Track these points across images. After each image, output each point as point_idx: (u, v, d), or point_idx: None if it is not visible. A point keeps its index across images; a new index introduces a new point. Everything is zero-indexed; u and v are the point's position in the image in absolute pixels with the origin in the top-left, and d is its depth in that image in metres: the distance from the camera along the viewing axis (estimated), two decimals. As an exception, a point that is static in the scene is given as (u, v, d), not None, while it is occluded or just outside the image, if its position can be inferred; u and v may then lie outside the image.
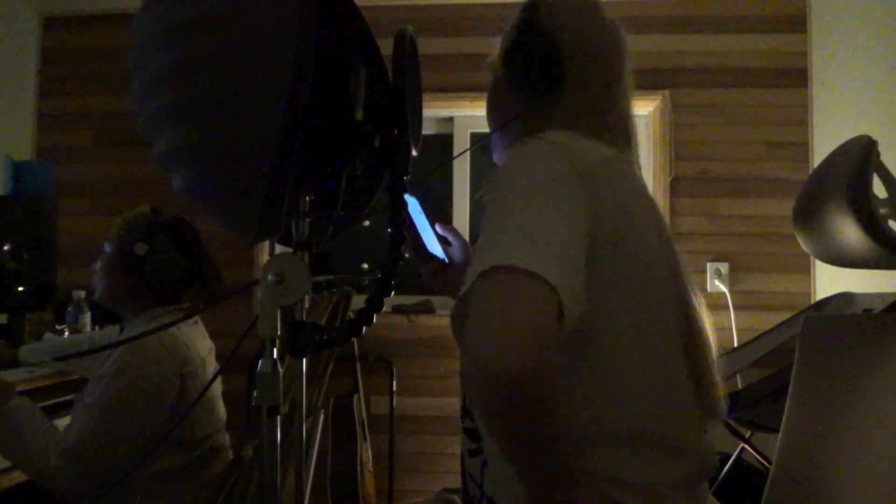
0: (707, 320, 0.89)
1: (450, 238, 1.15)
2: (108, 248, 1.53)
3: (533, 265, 0.66)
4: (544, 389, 0.64)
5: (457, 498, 1.03)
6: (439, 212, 2.87)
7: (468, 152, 2.79)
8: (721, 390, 0.89)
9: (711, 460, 0.87)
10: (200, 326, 1.62)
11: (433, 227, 1.13)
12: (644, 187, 0.90)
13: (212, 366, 1.60)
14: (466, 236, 2.02)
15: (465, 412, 0.91)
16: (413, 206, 1.09)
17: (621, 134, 0.94)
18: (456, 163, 2.89)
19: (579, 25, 0.93)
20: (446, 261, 1.13)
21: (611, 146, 0.88)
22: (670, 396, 0.83)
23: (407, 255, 1.13)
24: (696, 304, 0.88)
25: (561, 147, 0.80)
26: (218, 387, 1.63)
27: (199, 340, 1.56)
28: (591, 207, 0.77)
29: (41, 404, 1.53)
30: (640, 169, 0.96)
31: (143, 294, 1.52)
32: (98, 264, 1.54)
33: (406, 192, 0.87)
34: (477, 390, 0.66)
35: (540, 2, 0.94)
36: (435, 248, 1.12)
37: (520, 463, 0.73)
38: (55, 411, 1.72)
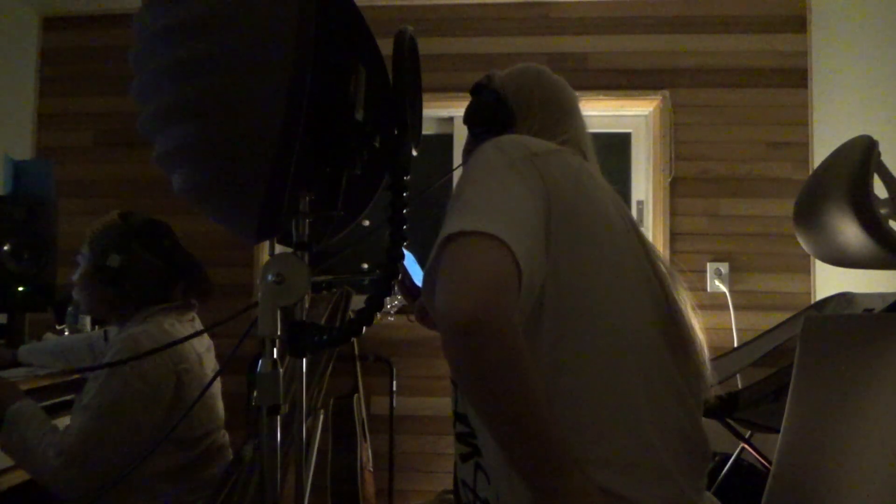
0: (689, 299, 0.90)
1: None
2: (81, 261, 1.52)
3: (486, 227, 0.71)
4: (505, 342, 0.67)
5: (457, 498, 1.03)
6: (439, 212, 2.87)
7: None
8: (706, 367, 0.89)
9: (704, 445, 0.86)
10: (197, 324, 1.62)
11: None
12: (600, 177, 0.96)
13: (211, 363, 1.60)
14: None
15: (458, 417, 0.91)
16: (408, 258, 1.19)
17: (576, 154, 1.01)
18: (457, 163, 2.89)
19: (522, 83, 1.09)
20: None
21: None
22: (645, 366, 0.82)
23: (399, 298, 1.21)
24: (674, 284, 0.90)
25: (511, 139, 0.88)
26: (217, 385, 1.63)
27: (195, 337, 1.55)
28: (546, 184, 0.82)
29: (41, 404, 1.53)
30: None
31: (127, 302, 1.51)
32: (75, 277, 1.53)
33: (406, 191, 0.87)
34: (444, 346, 0.69)
35: (493, 73, 1.12)
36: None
37: (502, 439, 0.73)
38: (55, 411, 1.72)
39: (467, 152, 1.15)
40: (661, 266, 0.90)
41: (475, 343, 0.67)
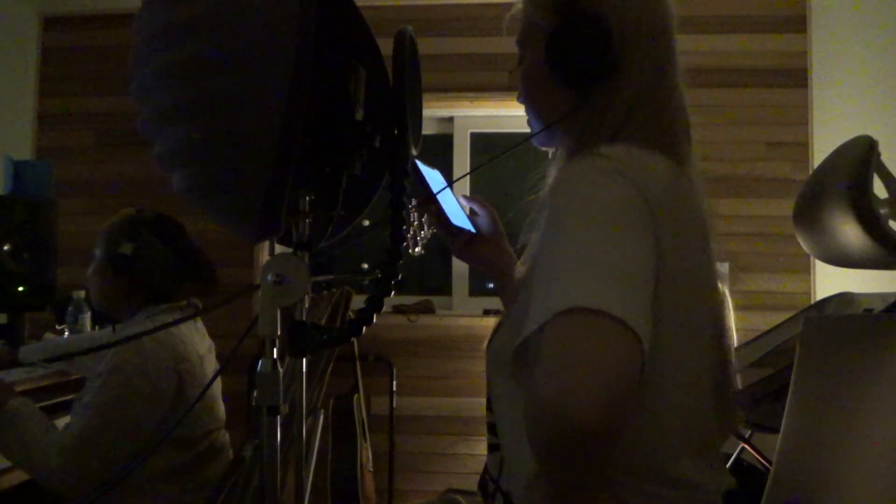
0: (732, 325, 0.88)
1: (476, 208, 1.13)
2: (97, 253, 1.54)
3: (620, 310, 0.61)
4: (612, 446, 0.62)
5: (461, 498, 1.03)
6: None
7: (478, 150, 2.78)
8: (736, 408, 0.89)
9: (727, 481, 0.86)
10: (199, 325, 1.62)
11: (457, 199, 1.10)
12: (698, 201, 0.83)
13: (212, 364, 1.60)
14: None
15: (490, 407, 0.91)
16: (435, 178, 1.04)
17: (681, 130, 0.87)
18: (457, 163, 2.89)
19: (628, 6, 0.82)
20: (474, 232, 1.11)
21: (671, 156, 0.82)
22: (695, 432, 0.81)
23: (433, 231, 1.08)
24: (726, 315, 0.87)
25: (623, 166, 0.73)
26: (217, 385, 1.63)
27: (196, 338, 1.56)
28: (658, 241, 0.71)
29: (41, 404, 1.53)
30: (697, 167, 0.88)
31: (137, 294, 1.52)
32: (90, 270, 1.55)
33: (405, 192, 0.87)
34: (547, 441, 0.61)
35: None
36: (461, 220, 1.08)
37: (557, 485, 0.70)
38: (55, 411, 1.72)
39: (530, 79, 0.91)
40: (724, 302, 0.86)
41: (587, 449, 0.59)
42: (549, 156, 0.96)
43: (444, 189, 1.04)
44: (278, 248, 0.88)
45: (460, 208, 1.10)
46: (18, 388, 1.58)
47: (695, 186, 0.84)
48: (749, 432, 1.78)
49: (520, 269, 0.90)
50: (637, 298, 0.64)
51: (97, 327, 2.18)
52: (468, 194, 1.13)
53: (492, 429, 0.90)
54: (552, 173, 0.91)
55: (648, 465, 0.78)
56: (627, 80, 0.81)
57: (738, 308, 2.80)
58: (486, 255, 1.11)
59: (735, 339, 0.89)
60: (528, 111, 0.95)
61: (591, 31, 0.80)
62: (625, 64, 0.81)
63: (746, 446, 1.76)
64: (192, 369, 1.47)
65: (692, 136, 0.90)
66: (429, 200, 1.02)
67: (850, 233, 1.08)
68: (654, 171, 0.77)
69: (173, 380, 1.43)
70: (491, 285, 2.32)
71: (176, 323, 1.16)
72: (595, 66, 0.81)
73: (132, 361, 1.38)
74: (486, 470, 0.93)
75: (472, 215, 1.13)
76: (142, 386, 1.38)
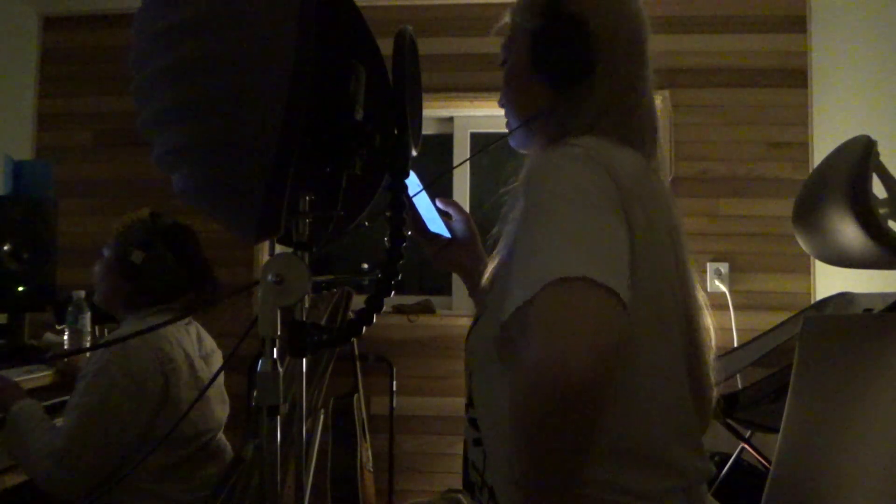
0: (710, 324, 0.88)
1: (451, 212, 1.13)
2: (106, 252, 1.54)
3: (606, 278, 0.64)
4: (602, 404, 0.63)
5: (462, 497, 1.04)
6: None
7: (476, 150, 2.78)
8: (713, 393, 0.89)
9: (709, 469, 0.86)
10: (193, 329, 1.61)
11: (433, 202, 1.10)
12: (665, 194, 0.87)
13: (214, 365, 1.59)
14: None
15: (471, 402, 0.91)
16: (411, 180, 1.04)
17: (649, 130, 0.90)
18: (456, 162, 2.89)
19: (607, 10, 0.87)
20: (449, 237, 1.12)
21: (639, 150, 0.86)
22: (675, 417, 0.82)
23: (409, 233, 1.09)
24: (699, 313, 0.87)
25: (595, 153, 0.77)
26: (216, 387, 1.62)
27: (188, 340, 1.55)
28: (629, 228, 0.74)
29: (41, 404, 1.53)
30: (663, 164, 0.92)
31: (139, 299, 1.52)
32: (97, 268, 1.55)
33: (405, 191, 0.87)
34: (536, 404, 0.63)
35: None
36: (438, 226, 1.09)
37: (533, 469, 0.70)
38: (55, 411, 1.72)
39: (512, 77, 0.93)
40: (693, 295, 0.87)
41: (576, 410, 0.61)
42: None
43: (419, 192, 1.05)
44: (278, 248, 0.88)
45: (435, 212, 1.11)
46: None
47: (662, 180, 0.88)
48: (749, 432, 1.78)
49: (494, 257, 0.91)
50: (618, 268, 0.67)
51: (97, 327, 2.18)
52: (441, 197, 1.14)
53: (473, 423, 0.90)
54: (526, 166, 0.92)
55: (635, 450, 0.78)
56: (603, 80, 0.85)
57: (738, 308, 2.80)
58: (462, 259, 1.12)
59: (713, 337, 0.89)
60: (508, 113, 0.98)
61: (573, 31, 0.85)
62: (602, 64, 0.85)
63: (746, 446, 1.76)
64: (178, 370, 1.46)
65: (660, 135, 0.94)
66: (406, 211, 1.02)
67: (849, 233, 1.08)
68: (624, 161, 0.80)
69: (159, 380, 1.42)
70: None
71: (165, 324, 1.15)
72: (576, 64, 0.85)
73: (116, 362, 1.38)
74: (472, 466, 0.93)
75: (446, 219, 1.13)
76: (126, 386, 1.38)
